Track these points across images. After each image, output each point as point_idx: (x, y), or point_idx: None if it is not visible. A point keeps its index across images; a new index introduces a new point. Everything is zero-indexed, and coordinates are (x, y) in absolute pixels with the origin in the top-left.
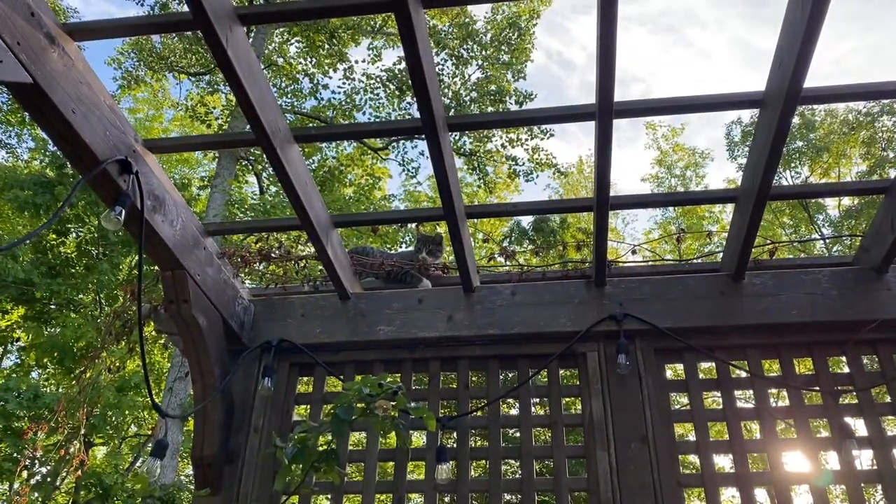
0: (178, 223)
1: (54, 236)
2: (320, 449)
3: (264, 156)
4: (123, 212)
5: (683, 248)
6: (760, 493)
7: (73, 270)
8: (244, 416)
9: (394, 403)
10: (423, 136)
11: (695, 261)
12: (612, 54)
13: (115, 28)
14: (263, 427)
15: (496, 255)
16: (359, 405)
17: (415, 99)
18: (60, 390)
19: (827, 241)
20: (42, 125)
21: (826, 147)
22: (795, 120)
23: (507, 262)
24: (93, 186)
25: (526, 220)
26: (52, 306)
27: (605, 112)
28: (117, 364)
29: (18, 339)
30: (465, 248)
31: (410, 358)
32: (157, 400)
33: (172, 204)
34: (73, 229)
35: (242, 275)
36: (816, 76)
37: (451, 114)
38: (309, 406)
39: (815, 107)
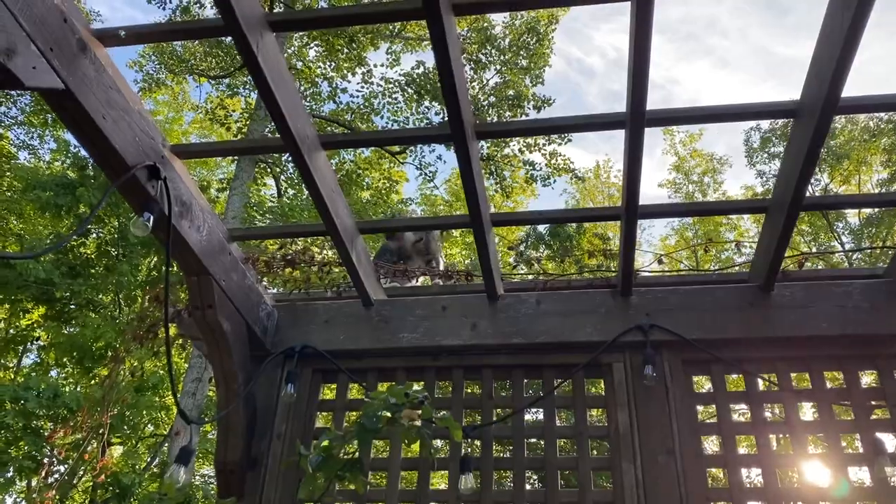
0: (205, 229)
1: (75, 237)
2: (344, 457)
3: (283, 159)
4: (152, 218)
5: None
6: None
7: (92, 271)
8: (267, 423)
9: (419, 413)
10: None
11: (723, 271)
12: (645, 60)
13: (146, 34)
14: (286, 433)
15: (513, 262)
16: (384, 414)
17: (433, 104)
18: (79, 390)
19: (848, 251)
20: (73, 130)
21: (846, 154)
22: None
23: (525, 270)
24: (122, 192)
25: (542, 225)
26: (72, 306)
27: (636, 121)
28: (138, 365)
29: (38, 339)
30: (491, 255)
31: (434, 366)
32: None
33: (199, 209)
34: (93, 230)
35: (266, 281)
36: None
37: None
38: (332, 413)
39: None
